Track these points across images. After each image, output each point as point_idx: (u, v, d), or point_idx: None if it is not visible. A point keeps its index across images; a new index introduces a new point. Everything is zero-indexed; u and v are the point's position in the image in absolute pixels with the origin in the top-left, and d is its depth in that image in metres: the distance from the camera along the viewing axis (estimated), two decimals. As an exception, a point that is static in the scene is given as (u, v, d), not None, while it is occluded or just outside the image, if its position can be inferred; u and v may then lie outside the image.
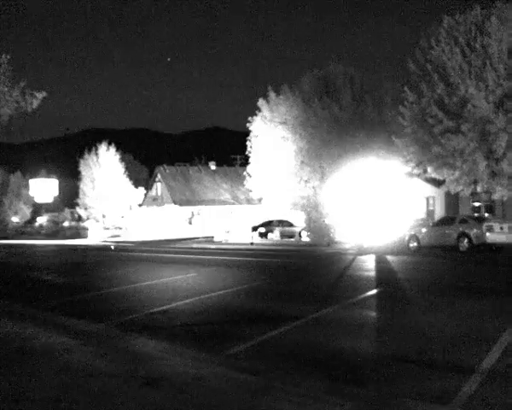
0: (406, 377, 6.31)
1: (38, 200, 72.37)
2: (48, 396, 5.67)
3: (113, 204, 63.57)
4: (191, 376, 6.32)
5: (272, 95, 39.30)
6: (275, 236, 42.33)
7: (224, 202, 62.88)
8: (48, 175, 71.69)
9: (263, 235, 42.98)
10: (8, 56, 15.33)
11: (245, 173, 41.98)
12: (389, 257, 23.04)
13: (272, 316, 10.34)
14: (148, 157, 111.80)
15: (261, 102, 39.48)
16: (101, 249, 37.34)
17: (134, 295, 13.83)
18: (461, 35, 27.52)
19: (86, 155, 65.20)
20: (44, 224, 75.76)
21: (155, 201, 63.69)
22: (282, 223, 43.92)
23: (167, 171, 65.51)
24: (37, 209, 79.54)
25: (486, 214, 31.06)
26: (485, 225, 24.49)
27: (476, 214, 30.89)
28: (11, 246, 46.04)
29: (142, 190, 65.95)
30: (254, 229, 43.15)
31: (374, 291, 13.05)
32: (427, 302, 11.49)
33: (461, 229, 25.02)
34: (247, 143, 40.53)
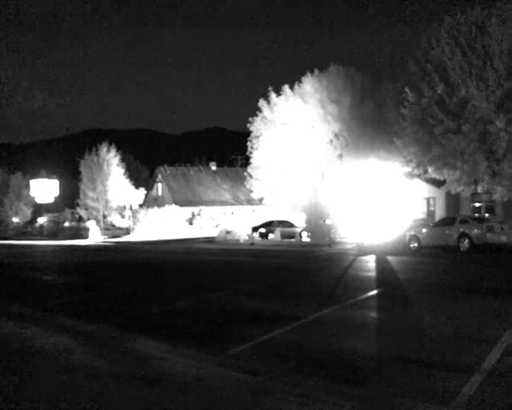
0: (406, 378, 6.31)
1: (39, 200, 72.34)
2: (48, 396, 5.67)
3: (114, 205, 63.57)
4: (191, 376, 6.32)
5: (273, 95, 39.33)
6: (275, 236, 42.28)
7: (224, 203, 62.91)
8: (48, 176, 71.64)
9: (263, 235, 42.94)
10: (10, 57, 15.38)
11: (245, 174, 42.01)
12: (390, 257, 23.01)
13: (272, 316, 10.33)
14: (148, 158, 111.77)
15: (262, 103, 39.52)
16: (102, 250, 37.33)
17: (134, 295, 13.83)
18: (461, 35, 27.51)
19: (87, 156, 65.22)
20: (45, 224, 75.67)
21: (156, 201, 63.67)
22: (282, 223, 43.87)
23: (168, 171, 65.55)
24: (38, 210, 79.42)
25: (487, 215, 31.05)
26: (485, 225, 24.49)
27: (477, 215, 30.89)
28: (12, 246, 46.03)
29: (142, 190, 65.95)
30: (255, 229, 43.11)
31: (374, 292, 13.05)
32: (428, 303, 11.48)
33: (461, 229, 25.01)
34: (248, 143, 40.55)
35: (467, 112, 26.67)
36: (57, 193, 71.21)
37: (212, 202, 62.63)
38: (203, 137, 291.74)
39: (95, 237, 58.48)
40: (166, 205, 60.37)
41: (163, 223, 58.23)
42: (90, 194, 64.17)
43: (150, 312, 11.05)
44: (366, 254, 25.44)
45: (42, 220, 77.01)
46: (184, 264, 23.43)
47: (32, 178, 73.41)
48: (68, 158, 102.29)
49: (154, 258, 27.82)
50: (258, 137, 39.72)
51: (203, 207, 61.33)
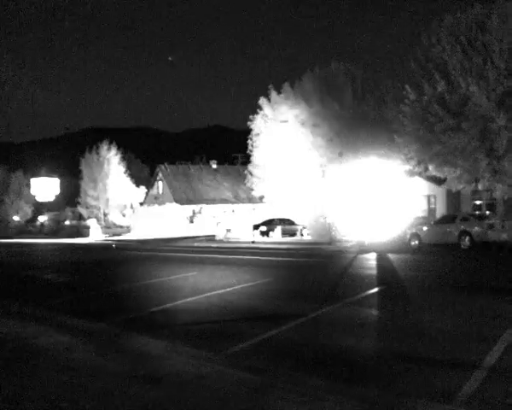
0: (407, 376, 6.30)
1: (40, 199, 72.46)
2: (48, 396, 5.66)
3: (115, 203, 63.62)
4: (192, 375, 6.32)
5: (273, 93, 39.29)
6: (276, 234, 42.29)
7: (225, 201, 62.91)
8: (49, 174, 71.74)
9: (264, 233, 42.95)
10: (10, 57, 15.37)
11: (246, 172, 42.00)
12: (390, 255, 23.03)
13: (273, 314, 10.33)
14: (149, 156, 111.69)
15: (262, 101, 39.47)
16: (103, 248, 37.34)
17: (135, 293, 13.82)
18: (462, 33, 27.46)
19: (87, 154, 65.26)
20: (46, 222, 75.79)
21: (156, 199, 63.70)
22: (283, 221, 43.89)
23: (168, 169, 65.53)
24: (39, 208, 79.54)
25: (488, 212, 31.02)
26: (486, 223, 24.48)
27: (477, 212, 30.85)
28: (12, 245, 46.06)
29: (143, 188, 66.00)
30: (256, 227, 43.14)
31: (375, 290, 13.04)
32: (428, 301, 11.48)
33: (462, 227, 25.01)
34: (249, 141, 40.52)
35: (467, 110, 26.63)
36: (58, 191, 71.31)
37: (213, 200, 62.62)
38: (203, 136, 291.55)
39: (95, 235, 58.53)
40: (167, 203, 60.40)
41: (164, 221, 58.28)
42: (91, 192, 64.21)
43: (151, 310, 11.06)
44: (367, 251, 25.45)
45: (42, 219, 77.11)
46: (185, 262, 23.40)
47: (32, 177, 73.51)
48: (69, 157, 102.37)
49: (155, 256, 27.84)
50: (258, 135, 39.69)
51: (204, 206, 61.32)
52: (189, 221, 59.86)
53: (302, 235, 40.75)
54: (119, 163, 64.26)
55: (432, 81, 27.98)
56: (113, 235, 58.65)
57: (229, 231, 44.48)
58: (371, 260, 21.46)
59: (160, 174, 65.70)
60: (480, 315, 9.67)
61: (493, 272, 17.25)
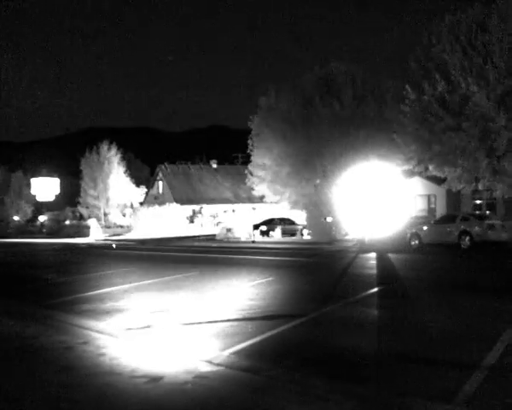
0: (407, 376, 6.31)
1: (40, 198, 72.41)
2: (48, 396, 5.66)
3: (115, 203, 63.61)
4: (192, 374, 6.32)
5: (273, 93, 39.28)
6: (276, 234, 42.28)
7: (225, 201, 62.92)
8: (49, 174, 71.70)
9: (264, 233, 42.94)
10: (10, 57, 15.39)
11: (246, 172, 42.00)
12: (391, 255, 23.02)
13: (273, 314, 10.32)
14: (149, 156, 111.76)
15: (262, 101, 39.46)
16: (103, 248, 37.34)
17: (136, 293, 13.81)
18: (462, 33, 27.44)
19: (87, 154, 65.25)
20: (46, 222, 75.73)
21: (157, 199, 63.72)
22: (283, 221, 43.88)
23: (168, 169, 65.57)
24: (39, 208, 79.49)
25: (488, 212, 31.03)
26: (486, 222, 24.49)
27: (477, 212, 30.87)
28: (12, 245, 46.05)
29: (143, 188, 66.02)
30: (256, 227, 43.12)
31: (375, 289, 13.04)
32: (428, 301, 11.48)
33: (462, 227, 25.01)
34: (249, 141, 40.52)
35: (467, 109, 26.61)
36: (58, 191, 71.26)
37: (213, 200, 62.64)
38: (204, 136, 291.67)
39: (96, 235, 58.53)
40: (167, 203, 60.40)
41: (164, 221, 58.27)
42: (91, 192, 64.20)
43: (151, 310, 11.06)
44: (367, 251, 25.45)
45: (43, 219, 77.05)
46: (185, 262, 23.39)
47: (32, 177, 73.46)
48: (69, 156, 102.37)
49: (156, 256, 27.85)
50: (258, 134, 39.68)
51: (204, 205, 61.34)
52: (189, 221, 59.87)
53: (302, 235, 40.73)
54: (118, 163, 64.25)
55: (432, 81, 27.95)
56: (114, 235, 58.63)
57: (229, 230, 44.45)
58: (371, 259, 21.46)
59: (160, 174, 65.72)
60: (480, 315, 9.67)
61: (493, 271, 17.25)
